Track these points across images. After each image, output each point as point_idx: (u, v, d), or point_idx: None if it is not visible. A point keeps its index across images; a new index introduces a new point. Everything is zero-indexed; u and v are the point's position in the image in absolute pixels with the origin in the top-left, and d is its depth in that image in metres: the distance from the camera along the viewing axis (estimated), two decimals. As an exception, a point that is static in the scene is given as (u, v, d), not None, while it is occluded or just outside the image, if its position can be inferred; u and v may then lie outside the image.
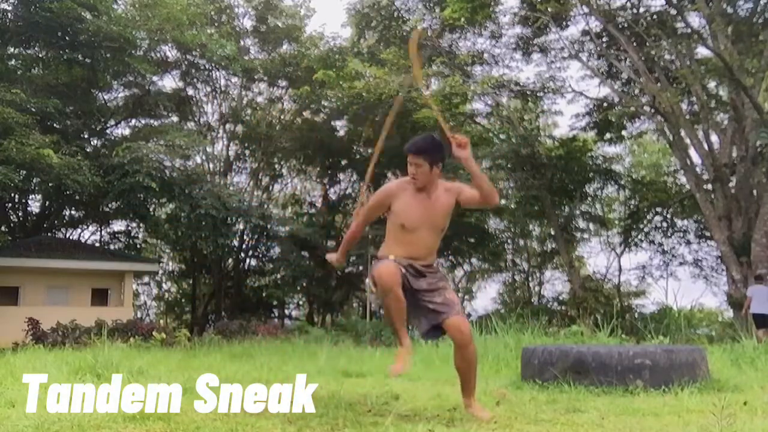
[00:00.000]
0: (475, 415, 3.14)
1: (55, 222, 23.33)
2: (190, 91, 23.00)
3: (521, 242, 26.79)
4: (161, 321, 24.12)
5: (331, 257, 3.73)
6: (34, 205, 22.80)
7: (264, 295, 24.98)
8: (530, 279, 27.22)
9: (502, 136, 21.32)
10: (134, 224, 23.37)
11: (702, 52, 17.49)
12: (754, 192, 15.73)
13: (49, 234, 21.93)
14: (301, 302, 27.62)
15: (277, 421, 2.88)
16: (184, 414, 3.01)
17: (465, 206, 3.26)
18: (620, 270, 23.84)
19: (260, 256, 24.77)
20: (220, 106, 23.75)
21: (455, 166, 18.58)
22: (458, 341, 3.14)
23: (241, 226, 21.47)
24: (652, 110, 17.14)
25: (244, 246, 23.65)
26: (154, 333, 11.97)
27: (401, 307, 3.08)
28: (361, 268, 21.19)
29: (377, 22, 19.85)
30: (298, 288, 23.55)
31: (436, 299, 3.16)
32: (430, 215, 3.19)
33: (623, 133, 21.79)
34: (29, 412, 2.96)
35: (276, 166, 25.30)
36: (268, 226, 21.06)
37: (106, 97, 21.65)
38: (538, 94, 20.72)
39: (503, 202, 23.35)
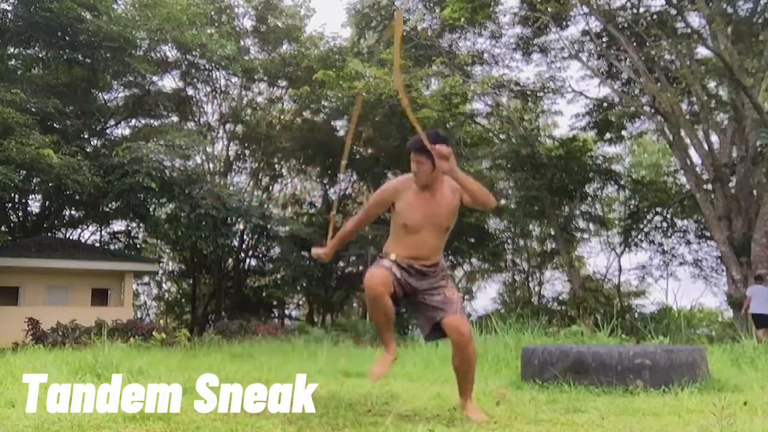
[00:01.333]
0: (470, 417, 3.10)
1: (55, 222, 23.34)
2: (190, 91, 23.02)
3: (521, 242, 26.78)
4: (161, 321, 24.14)
5: (317, 251, 3.51)
6: (34, 205, 22.85)
7: (264, 295, 24.98)
8: (530, 279, 27.23)
9: (502, 136, 21.31)
10: (134, 224, 23.39)
11: (702, 52, 17.49)
12: (754, 192, 15.72)
13: (49, 234, 21.94)
14: (301, 302, 27.64)
15: (277, 421, 2.88)
16: (184, 414, 3.01)
17: (467, 206, 3.16)
18: (620, 270, 23.86)
19: (260, 256, 24.77)
20: (220, 106, 23.76)
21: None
22: (456, 341, 3.07)
23: (241, 226, 21.48)
24: (652, 110, 17.14)
25: (244, 246, 23.66)
26: (154, 333, 11.96)
27: (388, 316, 3.06)
28: (361, 268, 21.19)
29: (377, 22, 19.84)
30: (298, 288, 23.55)
31: (435, 298, 3.10)
32: (433, 215, 3.08)
33: (623, 133, 21.78)
34: (29, 412, 2.96)
35: (276, 166, 25.31)
36: (268, 226, 21.07)
37: (106, 97, 21.67)
38: (538, 94, 20.71)
39: (503, 201, 23.33)
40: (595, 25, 18.09)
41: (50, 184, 17.43)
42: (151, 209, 19.60)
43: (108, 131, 22.01)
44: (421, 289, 3.13)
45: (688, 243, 23.25)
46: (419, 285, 3.12)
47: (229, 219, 19.21)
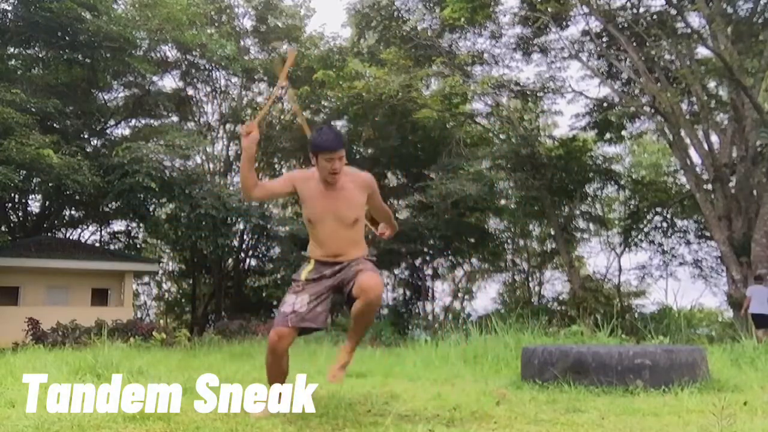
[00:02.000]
0: (333, 374, 3.15)
1: (55, 222, 23.34)
2: (190, 91, 23.00)
3: (521, 242, 26.78)
4: (161, 321, 24.15)
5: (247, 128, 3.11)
6: (34, 205, 22.85)
7: (264, 295, 24.97)
8: (530, 279, 27.22)
9: (502, 136, 21.31)
10: (134, 224, 23.38)
11: (702, 52, 17.49)
12: (754, 192, 15.72)
13: (49, 234, 21.95)
14: (301, 302, 27.60)
15: (277, 421, 2.88)
16: (184, 414, 3.01)
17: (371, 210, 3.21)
18: (620, 270, 23.85)
19: (260, 256, 24.78)
20: (220, 106, 23.76)
21: (456, 167, 18.65)
22: (366, 293, 2.96)
23: (241, 226, 21.47)
24: (652, 110, 17.14)
25: (244, 246, 23.66)
26: (154, 333, 11.97)
27: (281, 373, 3.11)
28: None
29: (377, 22, 19.84)
30: (298, 288, 23.51)
31: (349, 276, 3.09)
32: (335, 208, 3.09)
33: (623, 133, 21.78)
34: (29, 412, 2.96)
35: (276, 166, 25.30)
36: (268, 226, 21.06)
37: (106, 97, 21.66)
38: (538, 94, 20.70)
39: (503, 201, 23.34)
40: (595, 25, 18.10)
41: (50, 184, 17.43)
42: (151, 209, 19.59)
43: (108, 131, 22.01)
44: (340, 281, 3.13)
45: (688, 243, 23.24)
46: (335, 279, 3.13)
47: (229, 219, 19.20)
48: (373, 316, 3.11)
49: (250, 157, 3.10)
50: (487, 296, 35.55)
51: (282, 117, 24.33)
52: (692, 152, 16.75)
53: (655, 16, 17.57)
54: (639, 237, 23.67)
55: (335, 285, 3.14)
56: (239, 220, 20.06)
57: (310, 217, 3.14)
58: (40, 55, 18.70)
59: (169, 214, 20.71)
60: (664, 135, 18.02)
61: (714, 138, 17.07)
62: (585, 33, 18.68)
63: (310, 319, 3.06)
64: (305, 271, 3.17)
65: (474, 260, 26.33)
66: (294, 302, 3.08)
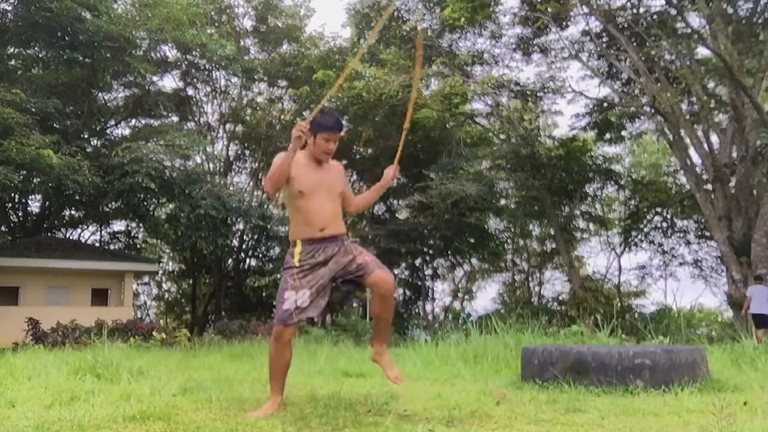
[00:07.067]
0: (382, 364, 3.34)
1: (55, 222, 23.35)
2: (190, 91, 23.01)
3: (521, 242, 26.79)
4: (161, 321, 24.16)
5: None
6: (34, 205, 22.85)
7: (264, 295, 24.98)
8: (530, 279, 27.24)
9: (502, 136, 21.30)
10: (134, 224, 23.39)
11: (702, 52, 17.49)
12: (754, 192, 15.72)
13: (49, 234, 21.96)
14: (301, 302, 27.63)
15: (277, 422, 2.88)
16: (184, 414, 3.02)
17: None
18: (620, 270, 23.88)
19: (260, 256, 24.79)
20: (220, 106, 23.77)
21: (454, 167, 18.66)
22: (384, 292, 3.27)
23: (241, 226, 21.47)
24: (652, 110, 17.14)
25: (244, 246, 23.67)
26: (154, 333, 11.96)
27: (284, 364, 3.26)
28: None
29: (377, 23, 19.83)
30: (298, 288, 23.51)
31: (350, 268, 3.28)
32: (325, 179, 3.36)
33: (623, 133, 21.79)
34: (29, 412, 2.96)
35: (275, 166, 25.28)
36: (268, 226, 21.06)
37: (106, 97, 21.66)
38: (538, 94, 20.70)
39: (503, 201, 23.34)
40: (595, 25, 18.09)
41: (50, 184, 17.41)
42: (151, 209, 19.59)
43: (108, 131, 21.99)
44: (335, 272, 3.30)
45: (688, 243, 23.26)
46: (330, 270, 3.29)
47: (229, 219, 19.20)
48: (390, 309, 3.34)
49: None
50: (487, 296, 35.65)
51: (282, 117, 24.36)
52: (692, 152, 16.76)
53: (655, 16, 17.57)
54: (639, 237, 23.69)
55: (333, 276, 3.29)
56: (239, 220, 20.07)
57: (303, 190, 3.30)
58: (40, 55, 18.70)
59: (169, 214, 20.71)
60: (664, 135, 18.02)
61: (714, 138, 17.08)
62: (585, 33, 18.68)
63: (311, 310, 3.24)
64: (296, 255, 3.30)
65: (474, 260, 26.36)
66: (295, 299, 3.20)
